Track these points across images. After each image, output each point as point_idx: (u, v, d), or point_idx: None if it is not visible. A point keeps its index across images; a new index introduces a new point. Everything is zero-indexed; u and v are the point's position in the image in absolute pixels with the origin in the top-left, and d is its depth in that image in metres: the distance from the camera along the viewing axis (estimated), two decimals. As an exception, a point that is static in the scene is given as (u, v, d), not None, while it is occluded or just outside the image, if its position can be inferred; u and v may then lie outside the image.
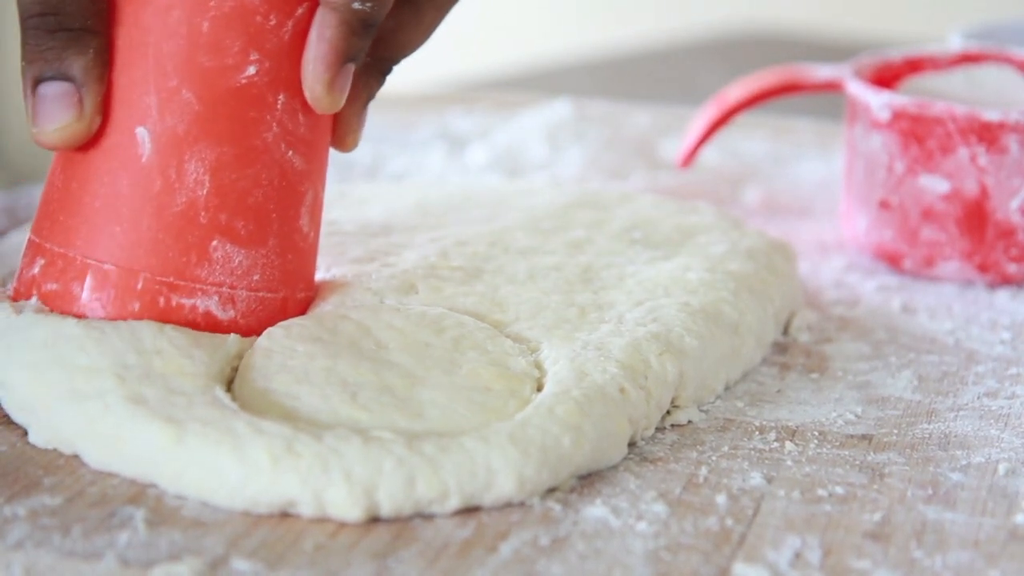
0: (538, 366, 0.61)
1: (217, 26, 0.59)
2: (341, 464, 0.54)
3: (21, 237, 0.77)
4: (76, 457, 0.57)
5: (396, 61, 0.65)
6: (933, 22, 1.71)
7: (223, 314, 0.61)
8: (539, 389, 0.60)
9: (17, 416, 0.59)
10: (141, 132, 0.60)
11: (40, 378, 0.58)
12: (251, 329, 0.61)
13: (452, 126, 1.02)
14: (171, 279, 0.60)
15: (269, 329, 0.61)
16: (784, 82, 0.84)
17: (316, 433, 0.55)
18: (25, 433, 0.59)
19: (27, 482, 0.56)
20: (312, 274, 0.65)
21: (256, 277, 0.61)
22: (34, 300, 0.61)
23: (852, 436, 0.62)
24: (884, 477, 0.58)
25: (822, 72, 0.83)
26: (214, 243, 0.60)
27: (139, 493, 0.55)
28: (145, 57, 0.59)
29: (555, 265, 0.69)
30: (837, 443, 0.61)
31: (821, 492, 0.57)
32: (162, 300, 0.60)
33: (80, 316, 0.60)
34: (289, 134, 0.61)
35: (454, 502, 0.54)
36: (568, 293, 0.66)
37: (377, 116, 1.03)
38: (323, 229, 0.71)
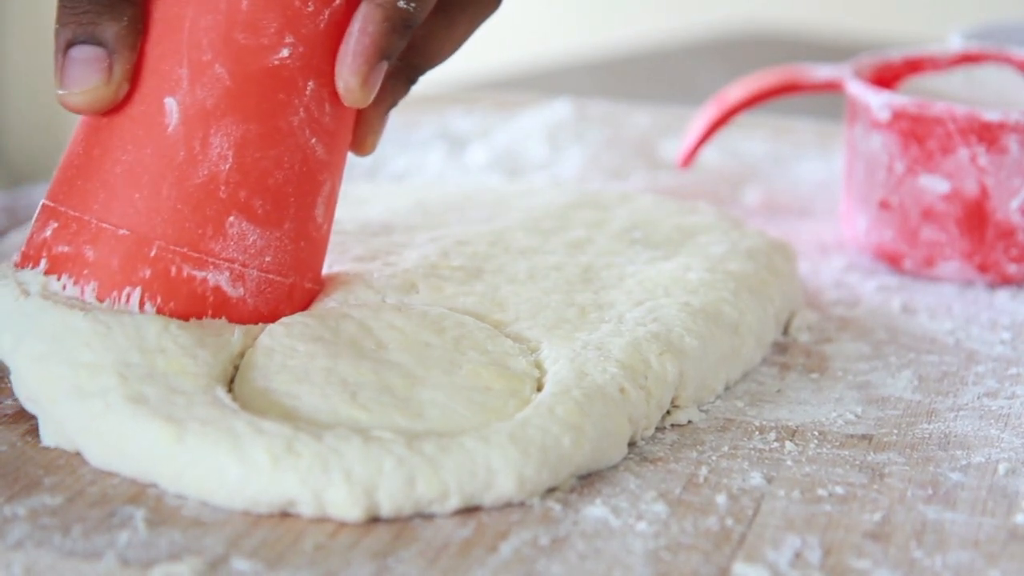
0: (538, 366, 0.61)
1: (256, 5, 0.60)
2: (341, 464, 0.54)
3: (21, 237, 0.77)
4: (76, 457, 0.57)
5: (424, 70, 0.65)
6: (933, 22, 1.71)
7: (232, 291, 0.61)
8: (539, 389, 0.60)
9: (27, 406, 0.59)
10: (170, 102, 0.60)
11: (47, 373, 0.58)
12: (257, 310, 0.62)
13: (452, 126, 1.02)
14: (185, 250, 0.60)
15: (270, 327, 0.61)
16: (784, 82, 0.84)
17: (316, 433, 0.55)
18: (25, 433, 0.59)
19: (27, 482, 0.56)
20: (320, 266, 0.65)
21: (268, 258, 0.61)
22: (38, 286, 0.60)
23: (852, 436, 0.62)
24: (884, 477, 0.58)
25: (822, 72, 0.83)
26: (231, 219, 0.60)
27: (139, 493, 0.55)
28: (180, 30, 0.60)
29: (555, 265, 0.69)
30: (837, 443, 0.61)
31: (821, 492, 0.57)
32: (174, 269, 0.60)
33: (88, 279, 0.60)
34: (314, 121, 0.61)
35: (454, 502, 0.54)
36: (568, 293, 0.66)
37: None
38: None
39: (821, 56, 1.04)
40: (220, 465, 0.54)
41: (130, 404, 0.56)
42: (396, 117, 1.03)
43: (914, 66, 0.83)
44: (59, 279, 0.60)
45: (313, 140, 0.61)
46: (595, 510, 0.55)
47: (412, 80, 0.65)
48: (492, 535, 0.54)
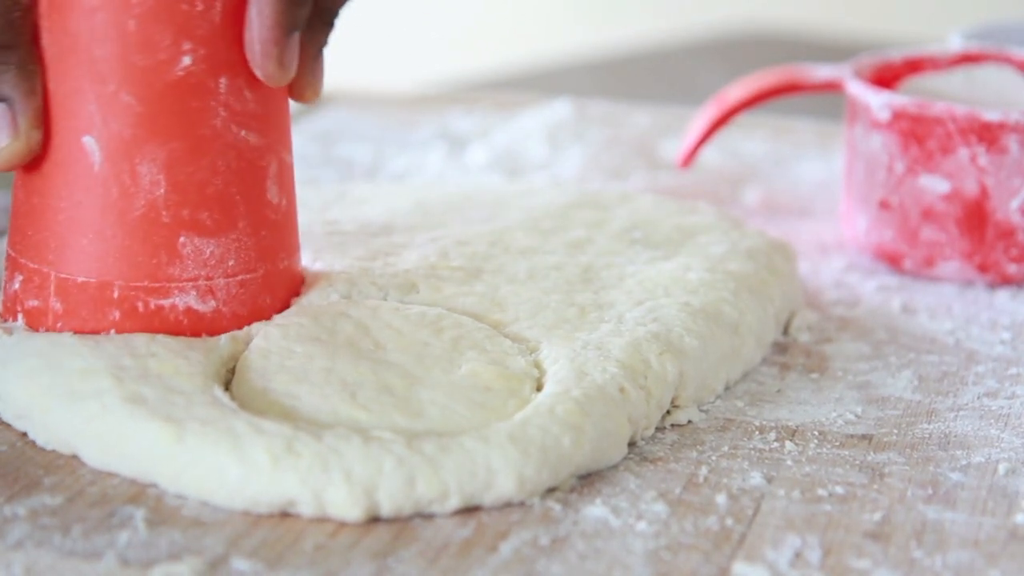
0: (538, 366, 0.61)
1: (144, 22, 0.58)
2: (341, 464, 0.54)
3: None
4: (76, 457, 0.57)
5: (338, 9, 0.63)
6: (933, 22, 1.71)
7: (204, 306, 0.61)
8: (539, 389, 0.60)
9: (15, 423, 0.59)
10: (88, 141, 0.59)
11: (36, 382, 0.58)
12: (236, 315, 0.61)
13: (452, 126, 1.02)
14: (145, 283, 0.60)
15: (265, 330, 0.61)
16: (784, 82, 0.84)
17: (316, 433, 0.55)
18: (25, 433, 0.59)
19: (27, 482, 0.56)
20: (292, 241, 0.64)
21: (231, 263, 0.61)
22: (21, 321, 0.61)
23: (852, 436, 0.62)
24: (884, 477, 0.58)
25: (822, 72, 0.83)
26: (181, 239, 0.60)
27: (139, 493, 0.55)
28: (79, 64, 0.59)
29: (555, 265, 0.69)
30: (837, 443, 0.61)
31: (821, 492, 0.57)
32: (140, 305, 0.60)
33: (63, 332, 0.60)
34: (238, 115, 0.60)
35: (454, 502, 0.54)
36: (568, 293, 0.66)
37: (377, 116, 1.03)
38: (323, 229, 0.72)
39: (821, 56, 1.04)
40: (220, 465, 0.54)
41: (128, 404, 0.56)
42: (396, 117, 1.03)
43: (914, 66, 0.83)
44: (37, 332, 0.61)
45: (242, 132, 0.61)
46: (595, 510, 0.55)
47: (330, 22, 0.62)
48: (492, 535, 0.54)
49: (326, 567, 0.52)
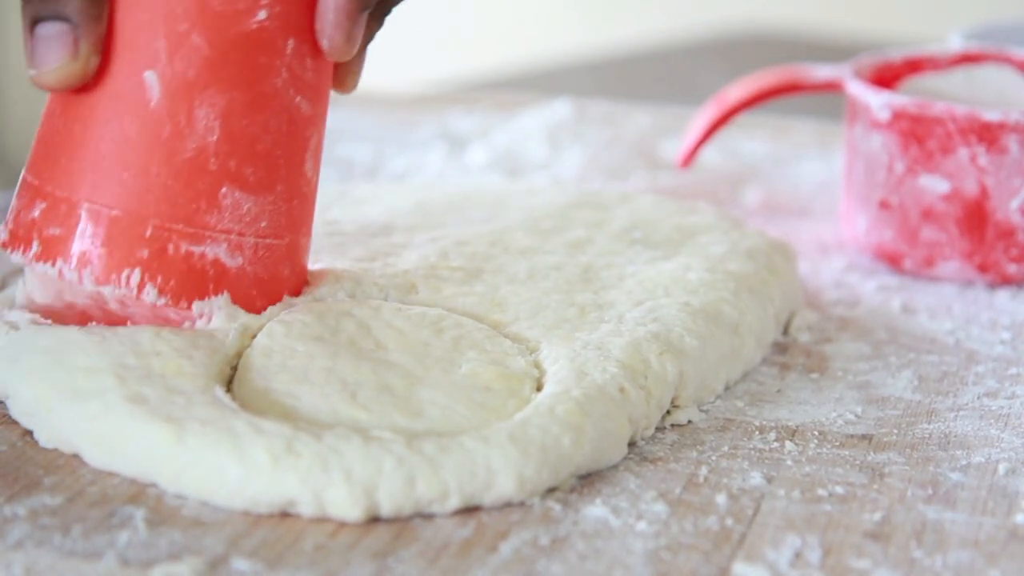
0: (537, 366, 0.61)
1: None
2: (341, 464, 0.54)
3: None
4: (76, 457, 0.57)
5: (393, 5, 0.63)
6: (933, 22, 1.71)
7: (231, 261, 0.60)
8: (539, 389, 0.60)
9: (22, 420, 0.59)
10: (150, 76, 0.59)
11: (42, 379, 0.58)
12: (257, 276, 0.61)
13: (452, 126, 1.02)
14: (180, 226, 0.59)
15: (268, 326, 0.61)
16: (784, 82, 0.84)
17: (316, 433, 0.55)
18: (25, 433, 0.59)
19: (27, 482, 0.56)
20: (311, 218, 0.64)
21: (264, 224, 0.61)
22: (36, 248, 0.60)
23: (852, 436, 0.62)
24: (884, 477, 0.58)
25: (822, 72, 0.83)
26: (224, 190, 0.60)
27: (139, 493, 0.55)
28: (154, 1, 0.59)
29: (555, 265, 0.69)
30: (837, 443, 0.61)
31: (821, 492, 0.57)
32: (171, 247, 0.59)
33: (85, 264, 0.59)
34: (297, 79, 0.61)
35: (454, 502, 0.54)
36: (568, 293, 0.66)
37: (377, 116, 1.03)
38: (323, 229, 0.72)
39: (821, 56, 1.04)
40: (220, 465, 0.54)
41: (129, 404, 0.56)
42: (396, 117, 1.03)
43: (914, 66, 0.83)
44: (54, 264, 0.60)
45: (298, 98, 0.61)
46: (595, 510, 0.55)
47: (384, 16, 0.63)
48: (492, 535, 0.54)
49: (326, 567, 0.52)
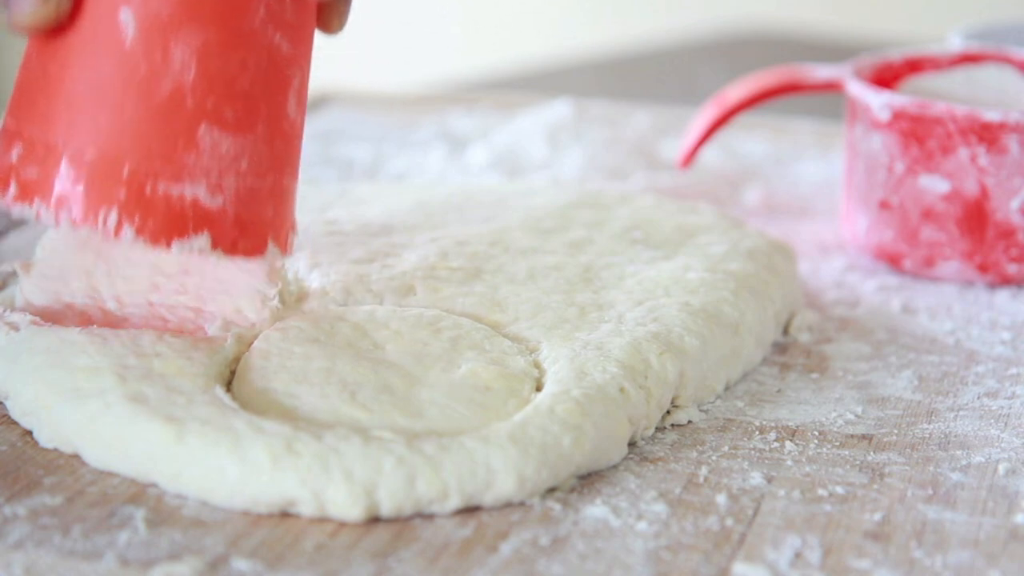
0: (537, 366, 0.61)
1: None
2: (341, 463, 0.54)
3: (21, 237, 0.77)
4: (76, 457, 0.57)
5: None
6: (933, 22, 1.71)
7: (211, 201, 0.59)
8: (538, 389, 0.60)
9: (22, 420, 0.59)
10: (125, 15, 0.58)
11: (42, 379, 0.58)
12: (239, 220, 0.60)
13: (452, 126, 1.02)
14: (158, 166, 0.59)
15: (265, 333, 0.61)
16: (784, 82, 0.84)
17: (316, 432, 0.55)
18: (25, 433, 0.59)
19: (27, 482, 0.56)
20: (298, 160, 0.63)
21: (244, 163, 0.60)
22: (13, 190, 0.59)
23: (852, 436, 0.62)
24: (884, 477, 0.58)
25: (822, 72, 0.83)
26: (201, 129, 0.59)
27: (139, 492, 0.55)
28: None
29: (555, 265, 0.69)
30: (837, 443, 0.61)
31: (821, 492, 0.57)
32: (148, 187, 0.58)
33: (62, 205, 0.58)
34: (276, 17, 0.60)
35: (454, 501, 0.54)
36: (568, 293, 0.66)
37: (377, 116, 1.03)
38: (323, 229, 0.72)
39: (821, 56, 1.04)
40: (220, 464, 0.54)
41: (130, 403, 0.56)
42: (396, 117, 1.03)
43: (914, 66, 0.83)
44: (32, 205, 0.59)
45: (277, 37, 0.60)
46: (595, 510, 0.55)
47: None
48: (492, 535, 0.54)
49: (326, 567, 0.52)
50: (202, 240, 0.59)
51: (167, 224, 0.59)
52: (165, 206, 0.59)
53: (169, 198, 0.59)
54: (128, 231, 0.58)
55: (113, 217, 0.58)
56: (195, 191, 0.59)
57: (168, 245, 0.59)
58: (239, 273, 0.62)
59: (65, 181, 0.58)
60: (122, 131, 0.58)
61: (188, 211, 0.59)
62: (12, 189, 0.59)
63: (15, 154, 0.59)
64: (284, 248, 0.62)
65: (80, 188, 0.58)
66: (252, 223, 0.61)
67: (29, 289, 0.63)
